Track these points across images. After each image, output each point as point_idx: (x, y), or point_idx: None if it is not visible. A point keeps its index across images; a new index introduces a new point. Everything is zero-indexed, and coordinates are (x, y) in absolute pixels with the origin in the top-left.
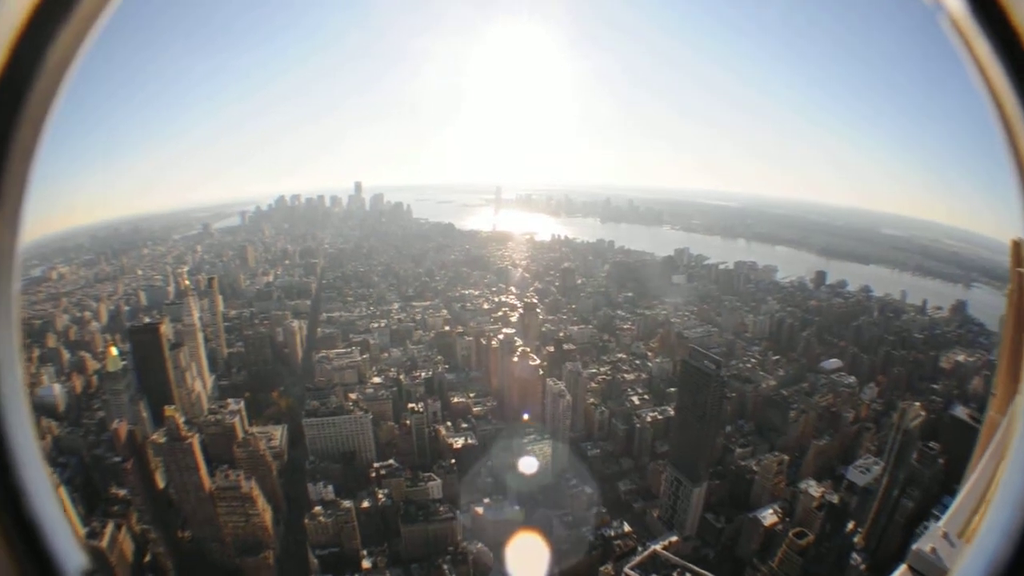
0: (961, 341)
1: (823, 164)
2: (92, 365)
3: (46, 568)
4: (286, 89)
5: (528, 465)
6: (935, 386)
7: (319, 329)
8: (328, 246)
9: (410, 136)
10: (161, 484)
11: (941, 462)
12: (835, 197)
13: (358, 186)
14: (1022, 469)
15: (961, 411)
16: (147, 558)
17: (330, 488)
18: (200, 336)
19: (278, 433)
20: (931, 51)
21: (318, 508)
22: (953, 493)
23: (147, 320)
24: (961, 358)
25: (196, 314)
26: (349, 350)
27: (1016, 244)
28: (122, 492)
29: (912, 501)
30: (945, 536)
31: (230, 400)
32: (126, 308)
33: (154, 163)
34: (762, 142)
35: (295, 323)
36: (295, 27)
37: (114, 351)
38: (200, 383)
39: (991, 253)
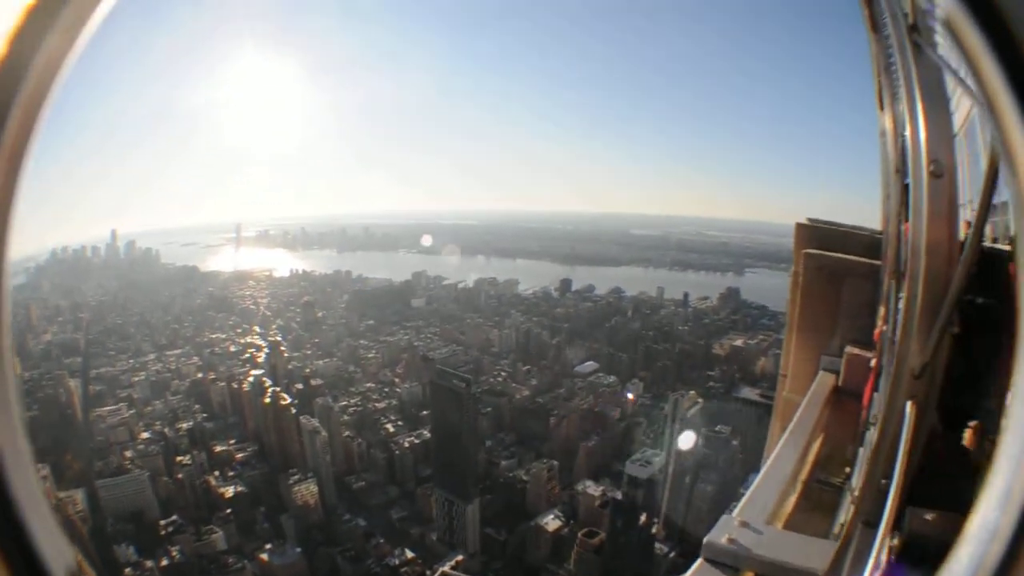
0: (737, 326)
1: (567, 176)
2: None
3: (36, 568)
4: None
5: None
6: (711, 373)
7: (91, 387)
8: (91, 299)
9: (158, 178)
10: None
11: (735, 444)
12: (582, 205)
13: (113, 234)
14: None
15: (750, 392)
16: None
17: (132, 549)
18: None
19: (79, 497)
20: (667, 52)
21: (128, 570)
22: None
23: None
24: (739, 342)
25: None
26: (118, 407)
27: (800, 227)
28: None
29: (711, 485)
30: (745, 524)
31: (40, 466)
32: None
33: None
34: (501, 160)
35: (72, 382)
36: None
37: None
38: None
39: (772, 238)
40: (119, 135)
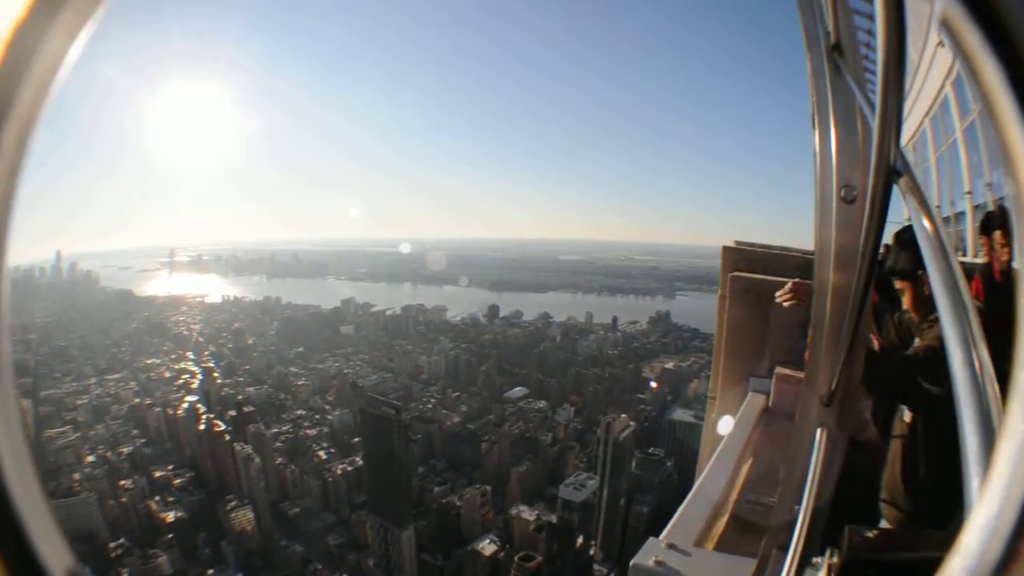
0: (668, 349)
1: (492, 203)
2: None
3: (34, 568)
4: None
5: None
6: (642, 396)
7: (41, 408)
8: (38, 320)
9: (99, 200)
10: None
11: (670, 465)
12: (508, 232)
13: (58, 255)
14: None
15: (682, 413)
16: None
17: (87, 570)
18: None
19: None
20: (596, 76)
21: None
22: None
23: None
24: (670, 365)
25: None
26: (64, 429)
27: (726, 249)
28: None
29: (647, 506)
30: (672, 546)
31: None
32: None
33: None
34: (428, 188)
35: (25, 403)
36: None
37: None
38: None
39: (704, 260)
40: (67, 155)
